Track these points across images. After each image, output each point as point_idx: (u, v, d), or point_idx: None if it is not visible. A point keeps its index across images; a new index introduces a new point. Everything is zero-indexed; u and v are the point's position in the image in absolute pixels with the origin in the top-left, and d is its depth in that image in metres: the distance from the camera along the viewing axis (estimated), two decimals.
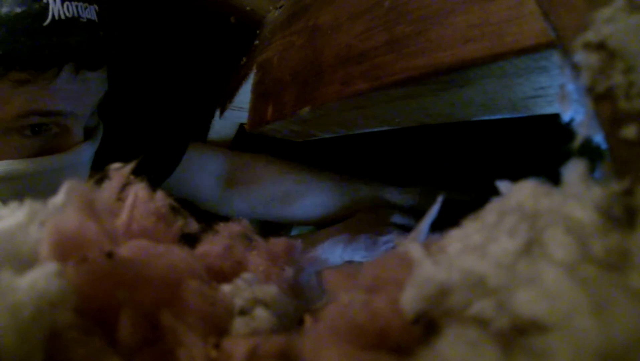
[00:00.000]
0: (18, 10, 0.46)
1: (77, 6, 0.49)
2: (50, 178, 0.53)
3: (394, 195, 0.79)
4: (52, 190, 0.58)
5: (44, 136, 0.52)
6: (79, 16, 0.49)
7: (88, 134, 0.56)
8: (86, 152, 0.55)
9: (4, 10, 0.45)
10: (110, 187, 0.30)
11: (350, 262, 0.67)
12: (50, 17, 0.47)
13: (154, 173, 0.68)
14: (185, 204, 0.31)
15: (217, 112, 0.84)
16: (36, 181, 0.52)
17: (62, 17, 0.47)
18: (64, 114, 0.51)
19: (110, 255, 0.22)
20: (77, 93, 0.52)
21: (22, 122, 0.50)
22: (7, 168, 0.50)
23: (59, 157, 0.52)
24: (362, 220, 0.74)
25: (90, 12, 0.50)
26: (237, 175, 0.80)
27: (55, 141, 0.53)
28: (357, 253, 0.68)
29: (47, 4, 0.47)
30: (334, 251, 0.68)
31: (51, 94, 0.49)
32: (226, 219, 0.34)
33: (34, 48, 0.47)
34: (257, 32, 0.75)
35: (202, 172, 0.78)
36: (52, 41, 0.47)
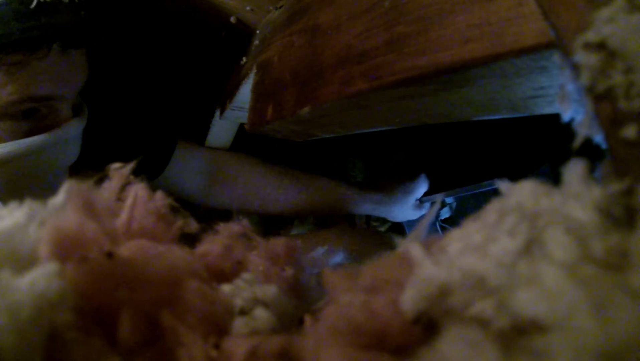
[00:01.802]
0: None
1: None
2: (44, 156, 0.56)
3: (367, 197, 0.85)
4: (47, 168, 0.57)
5: (33, 119, 0.54)
6: None
7: (75, 112, 0.59)
8: (76, 127, 0.58)
9: None
10: (110, 187, 0.30)
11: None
12: (35, 0, 0.49)
13: (145, 172, 0.69)
14: (185, 205, 0.31)
15: (217, 112, 0.84)
16: (30, 161, 0.55)
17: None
18: (55, 98, 0.54)
19: (110, 255, 0.22)
20: (64, 74, 0.54)
21: (15, 108, 0.52)
22: (2, 151, 0.52)
23: (51, 134, 0.55)
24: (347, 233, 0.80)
25: None
26: (218, 172, 0.84)
27: (44, 122, 0.55)
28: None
29: None
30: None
31: (42, 78, 0.52)
32: (225, 217, 0.34)
33: (24, 30, 0.49)
34: (257, 32, 0.75)
35: (187, 170, 0.81)
36: (40, 22, 0.50)
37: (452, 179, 0.86)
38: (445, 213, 0.91)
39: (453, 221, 0.91)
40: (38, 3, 0.50)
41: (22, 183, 0.55)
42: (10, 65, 0.50)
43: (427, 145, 0.97)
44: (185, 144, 0.81)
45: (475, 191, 0.81)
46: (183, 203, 0.31)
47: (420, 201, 0.89)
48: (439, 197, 0.87)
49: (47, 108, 0.55)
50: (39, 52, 0.51)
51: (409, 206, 0.88)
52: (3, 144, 0.53)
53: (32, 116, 0.54)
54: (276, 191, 0.84)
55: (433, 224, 0.89)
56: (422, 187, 0.88)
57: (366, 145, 1.00)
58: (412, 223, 0.92)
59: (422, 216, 0.89)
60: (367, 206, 0.87)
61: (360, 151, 1.02)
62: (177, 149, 0.79)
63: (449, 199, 0.89)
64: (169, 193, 0.31)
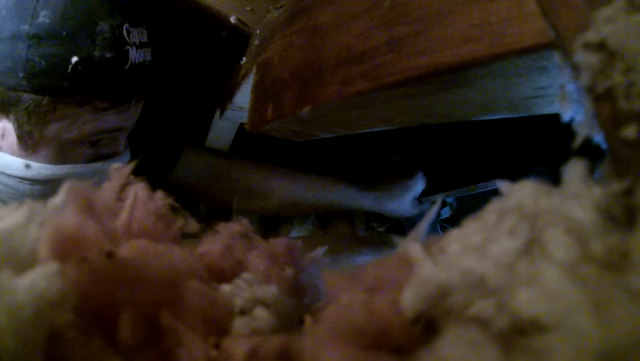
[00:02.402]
0: (108, 55, 0.57)
1: (144, 52, 0.62)
2: (98, 179, 0.61)
3: (367, 195, 0.88)
4: None
5: (99, 146, 0.63)
6: (145, 60, 0.62)
7: (125, 143, 0.69)
8: (126, 158, 0.68)
9: (97, 54, 0.57)
10: (110, 187, 0.30)
11: None
12: (129, 62, 0.59)
13: (153, 176, 0.74)
14: (185, 205, 0.31)
15: (217, 113, 0.84)
16: (88, 181, 0.62)
17: (137, 62, 0.60)
18: (122, 131, 0.64)
19: (110, 255, 0.22)
20: (133, 115, 0.65)
21: (91, 138, 0.61)
22: (70, 171, 0.62)
23: (110, 162, 0.64)
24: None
25: (149, 55, 0.64)
26: (222, 176, 0.89)
27: (105, 149, 0.64)
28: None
29: (128, 51, 0.59)
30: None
31: (118, 118, 0.61)
32: (225, 217, 0.34)
33: (117, 86, 0.59)
34: (257, 32, 0.75)
35: (191, 174, 0.86)
36: (129, 81, 0.60)
37: (452, 179, 0.87)
38: (446, 213, 0.92)
39: (453, 221, 0.91)
40: (131, 65, 0.59)
41: None
42: (98, 109, 0.59)
43: (427, 145, 0.97)
44: (191, 148, 0.86)
45: (475, 192, 0.81)
46: (183, 203, 0.31)
47: (420, 201, 0.90)
48: (439, 197, 0.88)
49: (110, 140, 0.63)
50: (123, 105, 0.60)
51: (406, 202, 0.90)
52: (72, 165, 0.62)
53: (98, 144, 0.62)
54: (277, 191, 0.88)
55: (434, 224, 0.89)
56: (419, 184, 0.90)
57: (365, 146, 1.01)
58: (413, 223, 0.93)
59: (421, 216, 0.88)
60: (367, 203, 0.90)
61: (359, 152, 1.02)
62: (184, 152, 0.84)
63: (449, 199, 0.90)
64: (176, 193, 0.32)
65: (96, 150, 0.63)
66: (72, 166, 0.62)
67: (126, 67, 0.59)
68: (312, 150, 1.00)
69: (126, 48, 0.59)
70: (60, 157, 0.61)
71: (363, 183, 0.91)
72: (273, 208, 0.90)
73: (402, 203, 0.90)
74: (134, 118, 0.65)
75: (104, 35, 0.57)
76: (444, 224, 0.91)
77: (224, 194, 0.88)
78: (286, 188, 0.89)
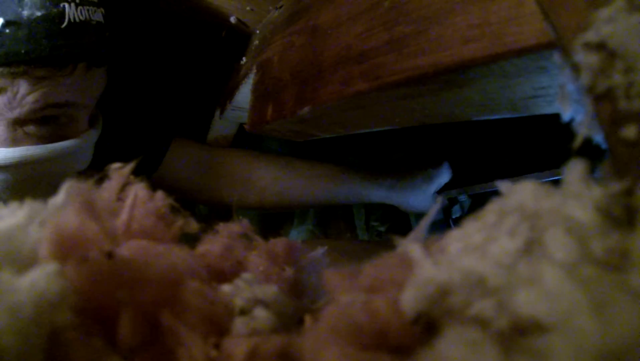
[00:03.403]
0: (38, 14, 0.51)
1: (88, 10, 0.55)
2: (61, 162, 0.59)
3: (380, 182, 0.79)
4: (57, 175, 0.62)
5: (54, 125, 0.57)
6: (90, 19, 0.55)
7: (91, 122, 0.63)
8: (92, 138, 0.62)
9: (25, 13, 0.51)
10: (110, 187, 0.30)
11: None
12: (67, 20, 0.52)
13: (140, 170, 0.70)
14: (185, 205, 0.31)
15: (217, 112, 0.84)
16: (48, 165, 0.58)
17: (77, 20, 0.53)
18: (75, 105, 0.57)
19: (110, 255, 0.22)
20: (85, 86, 0.57)
21: (38, 114, 0.55)
22: (24, 153, 0.56)
23: (69, 143, 0.58)
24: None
25: (98, 15, 0.56)
26: (215, 168, 0.82)
27: (64, 129, 0.58)
28: None
29: (64, 8, 0.52)
30: None
31: (64, 88, 0.55)
32: (225, 217, 0.34)
33: (53, 48, 0.52)
34: (257, 32, 0.75)
35: (182, 167, 0.80)
36: (69, 42, 0.53)
37: (471, 175, 0.79)
38: (457, 212, 0.83)
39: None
40: (69, 23, 0.52)
41: (30, 186, 0.58)
42: (36, 77, 0.52)
43: (448, 138, 0.88)
44: (180, 141, 0.80)
45: (494, 189, 0.75)
46: (183, 203, 0.31)
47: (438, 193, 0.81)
48: (455, 193, 0.80)
49: (67, 117, 0.58)
50: (65, 69, 0.54)
51: (428, 195, 0.79)
52: (26, 147, 0.56)
53: (52, 122, 0.57)
54: (274, 182, 0.81)
55: (445, 222, 0.82)
56: (445, 176, 0.79)
57: (364, 144, 0.96)
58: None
59: (441, 213, 0.83)
60: (379, 192, 0.79)
61: (358, 150, 0.98)
62: (172, 145, 0.78)
63: (461, 197, 0.82)
64: (165, 189, 0.31)
65: (52, 130, 0.57)
66: (26, 148, 0.56)
67: (62, 27, 0.52)
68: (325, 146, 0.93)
69: (62, 5, 0.52)
70: (10, 139, 0.55)
71: (376, 171, 0.80)
72: (272, 203, 0.82)
73: (422, 196, 0.79)
74: (89, 92, 0.58)
75: None
76: (454, 224, 0.85)
77: (216, 189, 0.81)
78: (286, 179, 0.81)
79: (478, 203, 0.81)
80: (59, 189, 0.27)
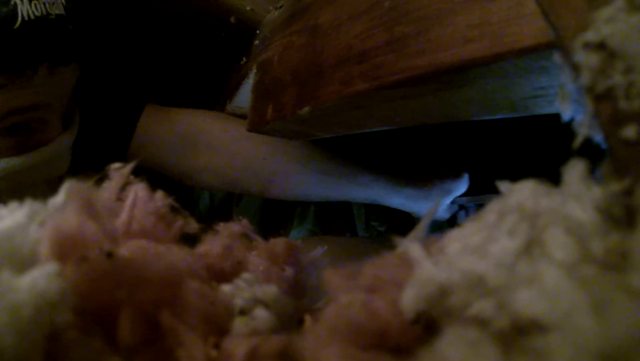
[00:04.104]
0: None
1: (44, 3, 0.48)
2: (36, 171, 0.55)
3: (398, 190, 0.74)
4: (37, 181, 0.56)
5: (25, 134, 0.52)
6: (48, 13, 0.48)
7: (66, 122, 0.57)
8: (66, 141, 0.56)
9: None
10: (110, 187, 0.30)
11: None
12: (20, 18, 0.46)
13: (110, 143, 0.64)
14: (185, 205, 0.31)
15: None
16: (21, 177, 0.54)
17: (32, 16, 0.47)
18: (42, 107, 0.52)
19: (110, 255, 0.22)
20: (52, 87, 0.52)
21: (3, 123, 0.50)
22: None
23: (42, 151, 0.53)
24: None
25: (58, 7, 0.49)
26: (197, 141, 0.69)
27: (36, 136, 0.53)
28: None
29: (15, 5, 0.46)
30: None
31: (27, 91, 0.49)
32: (225, 217, 0.34)
33: (8, 52, 0.46)
34: (257, 32, 0.75)
35: (164, 137, 0.68)
36: (25, 43, 0.47)
37: (482, 183, 0.78)
38: (462, 217, 0.82)
39: None
40: (23, 22, 0.46)
41: (6, 198, 0.55)
42: None
43: (463, 144, 0.86)
44: (153, 107, 0.69)
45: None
46: (183, 203, 0.31)
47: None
48: (464, 200, 0.78)
49: (37, 122, 0.53)
50: (23, 76, 0.48)
51: (442, 206, 0.77)
52: None
53: (23, 130, 0.52)
54: (282, 173, 0.68)
55: (451, 227, 0.82)
56: (462, 187, 0.76)
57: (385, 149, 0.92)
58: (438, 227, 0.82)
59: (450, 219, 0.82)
60: (397, 200, 0.74)
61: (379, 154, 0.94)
62: (147, 114, 0.68)
63: (469, 204, 0.81)
64: (150, 167, 0.28)
65: (23, 138, 0.52)
66: None
67: (15, 27, 0.46)
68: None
69: (12, 2, 0.45)
70: None
71: (396, 178, 0.73)
72: (276, 194, 0.71)
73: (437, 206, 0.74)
74: (57, 91, 0.52)
75: None
76: None
77: (207, 171, 0.68)
78: (297, 171, 0.68)
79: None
80: (38, 198, 0.26)
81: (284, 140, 0.68)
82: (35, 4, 0.47)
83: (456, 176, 0.76)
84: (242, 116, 0.75)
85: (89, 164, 0.55)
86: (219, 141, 0.69)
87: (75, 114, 0.59)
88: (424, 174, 0.76)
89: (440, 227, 0.82)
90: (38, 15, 0.47)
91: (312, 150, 0.71)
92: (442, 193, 0.75)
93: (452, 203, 0.79)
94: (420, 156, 0.89)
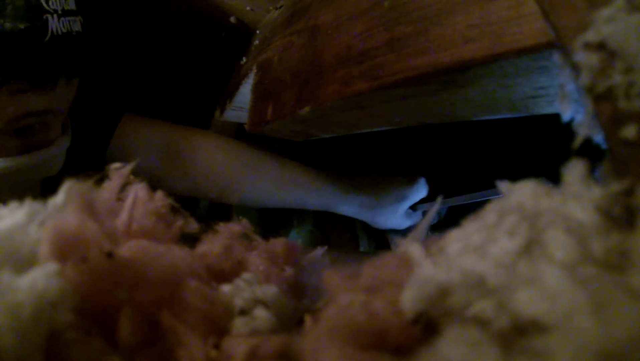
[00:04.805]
0: (21, 26, 0.48)
1: (70, 21, 0.52)
2: (35, 171, 0.58)
3: (350, 198, 0.75)
4: (29, 182, 0.59)
5: (29, 135, 0.55)
6: (71, 30, 0.52)
7: (63, 126, 0.61)
8: (64, 144, 0.60)
9: (8, 25, 0.48)
10: (110, 187, 0.30)
11: None
12: (50, 33, 0.50)
13: (89, 147, 0.68)
14: (185, 205, 0.31)
15: (217, 112, 0.84)
16: (22, 175, 0.57)
17: (59, 32, 0.51)
18: (53, 112, 0.56)
19: (110, 255, 0.22)
20: (65, 96, 0.56)
21: (15, 125, 0.53)
22: (1, 165, 0.55)
23: (45, 151, 0.57)
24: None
25: (77, 24, 0.53)
26: (173, 152, 0.74)
27: (37, 137, 0.56)
28: None
29: (47, 20, 0.50)
30: None
31: (44, 97, 0.53)
32: (225, 218, 0.34)
33: (35, 62, 0.50)
34: (257, 32, 0.75)
35: (140, 145, 0.73)
36: (51, 56, 0.51)
37: (450, 185, 0.76)
38: (434, 219, 0.79)
39: (441, 228, 0.79)
40: (52, 36, 0.50)
41: (6, 194, 0.56)
42: (15, 91, 0.50)
43: (426, 147, 0.87)
44: (135, 117, 0.74)
45: (477, 200, 0.70)
46: (183, 203, 0.31)
47: (413, 208, 0.78)
48: (434, 206, 0.79)
49: (41, 125, 0.56)
50: (46, 86, 0.52)
51: (399, 214, 0.76)
52: (2, 159, 0.54)
53: (27, 132, 0.55)
54: (236, 182, 0.74)
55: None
56: (420, 193, 0.76)
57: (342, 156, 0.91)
58: (396, 233, 0.81)
59: (410, 226, 0.80)
60: (350, 208, 0.76)
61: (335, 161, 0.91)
62: (126, 121, 0.72)
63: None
64: None
65: (27, 139, 0.55)
66: (2, 160, 0.54)
67: (46, 40, 0.49)
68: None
69: (45, 17, 0.49)
70: None
71: (349, 186, 0.75)
72: (234, 202, 0.76)
73: (392, 215, 0.75)
74: (66, 99, 0.57)
75: (15, 3, 0.47)
76: (431, 231, 0.79)
77: (174, 178, 0.73)
78: (250, 181, 0.74)
79: (456, 209, 0.79)
80: (31, 195, 0.26)
81: (240, 149, 0.75)
82: (62, 20, 0.51)
83: (410, 181, 0.75)
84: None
85: (67, 169, 0.61)
86: (183, 150, 0.74)
87: (68, 121, 0.63)
88: (376, 180, 0.76)
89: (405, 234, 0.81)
90: (64, 32, 0.51)
91: (266, 158, 0.75)
92: (398, 201, 0.75)
93: (414, 209, 0.79)
94: (373, 162, 0.89)
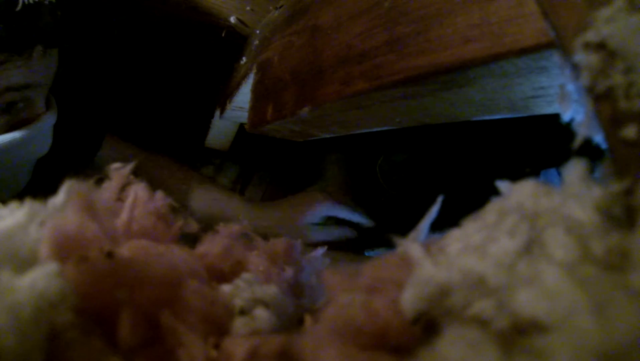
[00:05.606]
0: None
1: None
2: (22, 149, 0.58)
3: (252, 213, 0.78)
4: (18, 161, 0.58)
5: (14, 112, 0.57)
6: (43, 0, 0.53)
7: (47, 104, 0.62)
8: (50, 120, 0.61)
9: None
10: (110, 187, 0.30)
11: None
12: (21, 2, 0.51)
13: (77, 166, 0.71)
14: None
15: (217, 112, 0.84)
16: (8, 154, 0.57)
17: (31, 1, 0.52)
18: (33, 86, 0.56)
19: (110, 255, 0.22)
20: (44, 67, 0.57)
21: (0, 100, 0.54)
22: None
23: (29, 128, 0.58)
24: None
25: None
26: (139, 172, 0.78)
27: (21, 114, 0.58)
28: None
29: None
30: None
31: (22, 70, 0.54)
32: None
33: (9, 32, 0.51)
34: (257, 32, 0.75)
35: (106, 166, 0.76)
36: (24, 25, 0.52)
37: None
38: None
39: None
40: (23, 5, 0.51)
41: None
42: None
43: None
44: (110, 138, 0.78)
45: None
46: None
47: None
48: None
49: (24, 101, 0.57)
50: (23, 54, 0.52)
51: (293, 232, 0.77)
52: None
53: (12, 109, 0.56)
54: (191, 200, 0.79)
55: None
56: (321, 210, 0.78)
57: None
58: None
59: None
60: (256, 223, 0.78)
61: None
62: (105, 143, 0.77)
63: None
64: None
65: (11, 117, 0.56)
66: None
67: (17, 10, 0.50)
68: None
69: None
70: None
71: (252, 200, 0.79)
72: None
73: (293, 229, 0.77)
74: (45, 72, 0.58)
75: None
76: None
77: None
78: (200, 199, 0.79)
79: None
80: (19, 178, 0.26)
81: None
82: None
83: (313, 199, 0.79)
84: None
85: (51, 178, 0.60)
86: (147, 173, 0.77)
87: (52, 100, 0.64)
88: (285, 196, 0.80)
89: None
90: (36, 1, 0.52)
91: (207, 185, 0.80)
92: (294, 217, 0.78)
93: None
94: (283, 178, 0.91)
